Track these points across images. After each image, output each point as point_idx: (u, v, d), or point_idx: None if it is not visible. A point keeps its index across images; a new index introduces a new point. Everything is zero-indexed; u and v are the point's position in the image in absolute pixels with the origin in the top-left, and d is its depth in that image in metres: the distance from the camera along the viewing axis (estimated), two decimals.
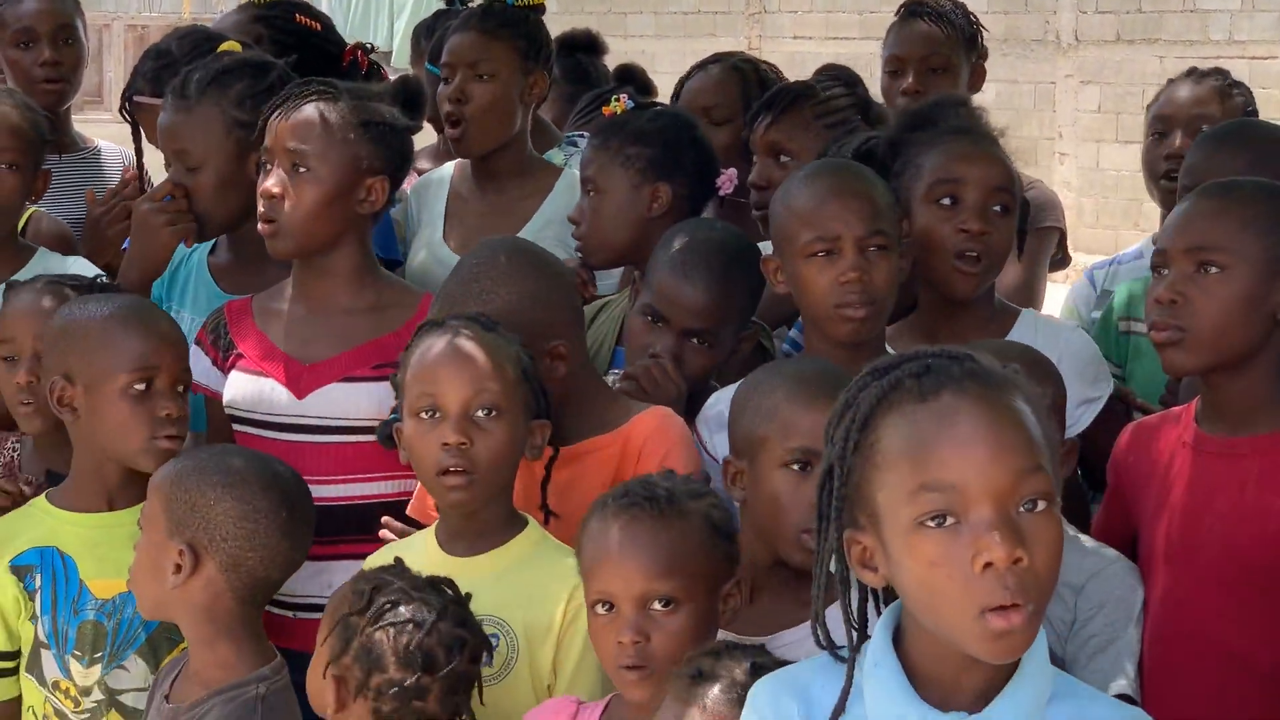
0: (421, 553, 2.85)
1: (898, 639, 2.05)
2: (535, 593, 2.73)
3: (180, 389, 3.04)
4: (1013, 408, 1.97)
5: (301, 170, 3.26)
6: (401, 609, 2.57)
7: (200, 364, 3.36)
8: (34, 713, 2.98)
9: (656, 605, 2.49)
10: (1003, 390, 1.98)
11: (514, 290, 3.05)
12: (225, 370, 3.36)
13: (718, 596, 2.55)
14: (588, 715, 2.58)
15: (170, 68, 3.92)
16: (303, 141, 3.26)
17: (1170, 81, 4.43)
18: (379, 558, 2.91)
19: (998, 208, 3.32)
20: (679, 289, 3.33)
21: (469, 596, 2.65)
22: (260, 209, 3.27)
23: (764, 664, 2.32)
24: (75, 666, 2.95)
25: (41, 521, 3.03)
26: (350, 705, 2.56)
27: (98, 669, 2.95)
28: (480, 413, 2.79)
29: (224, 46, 3.81)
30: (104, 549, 2.98)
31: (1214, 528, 2.81)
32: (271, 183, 3.26)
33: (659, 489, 2.56)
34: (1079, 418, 3.27)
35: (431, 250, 4.07)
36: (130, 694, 2.95)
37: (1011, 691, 1.99)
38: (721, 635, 2.59)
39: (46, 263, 3.83)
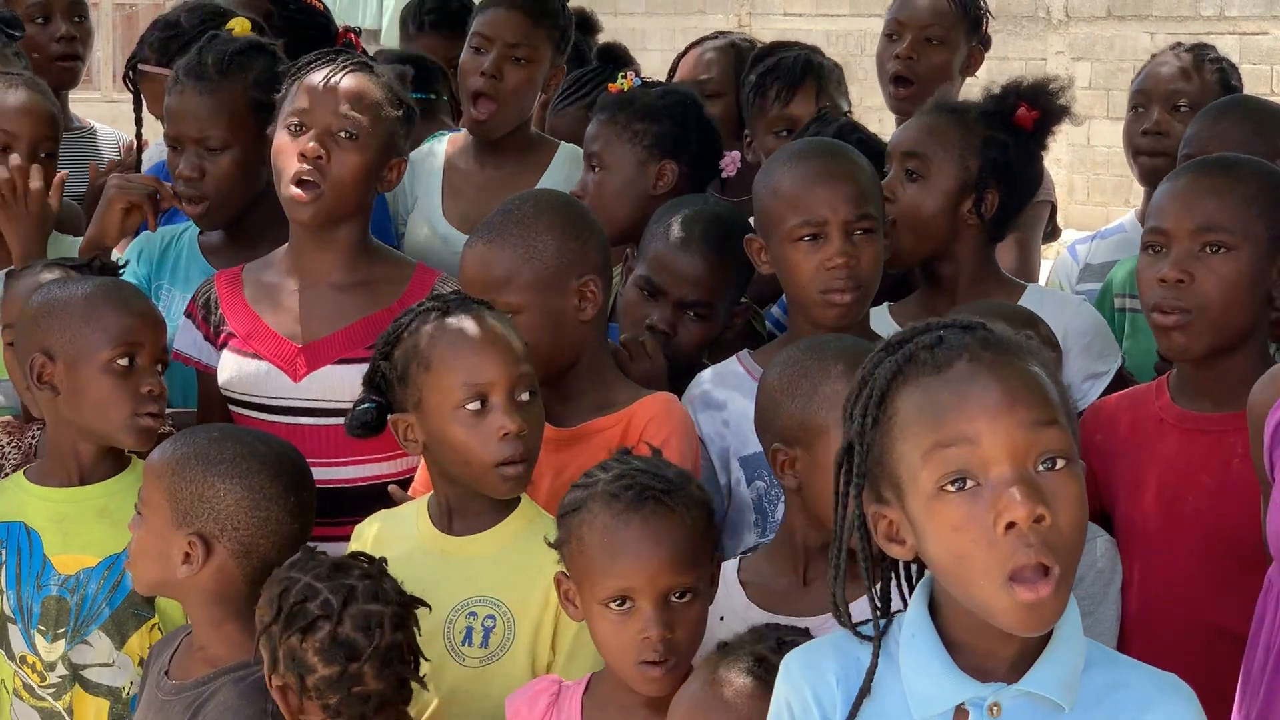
0: (414, 527, 2.83)
1: (933, 610, 2.04)
2: (531, 571, 2.70)
3: (159, 366, 3.03)
4: (1026, 369, 1.98)
5: (348, 137, 3.23)
6: (309, 605, 2.53)
7: (191, 337, 3.36)
8: (5, 686, 2.98)
9: (675, 598, 2.46)
10: (1016, 354, 1.99)
11: (554, 219, 3.05)
12: (216, 345, 3.34)
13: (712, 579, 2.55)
14: (569, 695, 2.57)
15: (178, 38, 3.91)
16: (354, 109, 3.23)
17: (1153, 57, 4.46)
18: (367, 526, 2.90)
19: (908, 170, 3.37)
20: (676, 259, 3.33)
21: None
22: (303, 168, 3.20)
23: (793, 640, 2.32)
24: (40, 641, 2.94)
25: (13, 497, 3.03)
26: (304, 707, 2.55)
27: (61, 644, 2.94)
28: (525, 395, 2.76)
29: (232, 23, 3.80)
30: (70, 524, 2.98)
31: (1199, 503, 2.81)
32: (314, 145, 3.21)
33: (664, 478, 2.52)
34: (1085, 392, 3.28)
35: (432, 226, 4.07)
36: (94, 669, 2.94)
37: (1048, 659, 1.99)
38: (777, 618, 2.59)
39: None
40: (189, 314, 3.38)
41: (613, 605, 2.47)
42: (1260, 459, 2.57)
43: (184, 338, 3.36)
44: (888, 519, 2.02)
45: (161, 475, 2.74)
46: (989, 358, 1.97)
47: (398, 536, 2.80)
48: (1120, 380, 3.37)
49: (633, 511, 2.48)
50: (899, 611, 2.08)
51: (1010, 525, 1.91)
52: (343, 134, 3.22)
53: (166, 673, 2.77)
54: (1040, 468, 1.94)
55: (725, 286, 3.37)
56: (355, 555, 2.63)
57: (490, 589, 2.73)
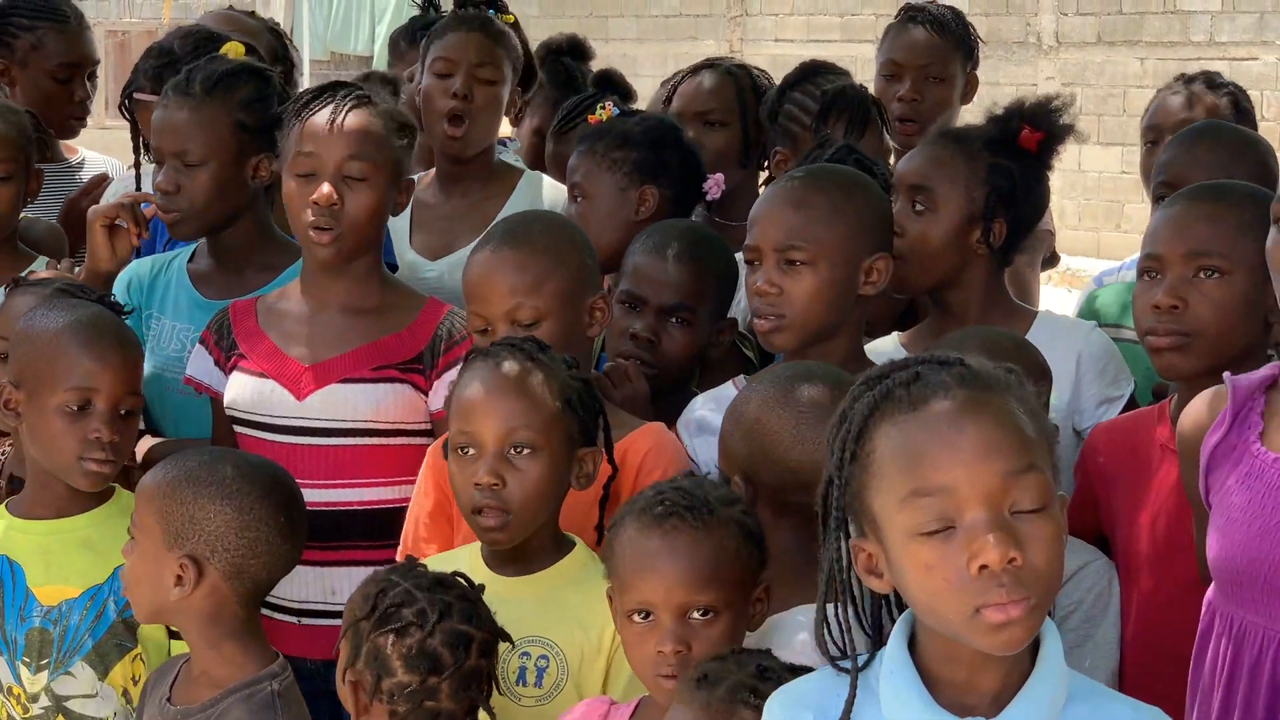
0: (467, 569, 2.79)
1: (912, 643, 2.04)
2: (584, 614, 2.70)
3: (123, 412, 3.00)
4: (1002, 409, 1.96)
5: (360, 180, 3.23)
6: (405, 611, 2.55)
7: (204, 364, 3.36)
8: None
9: (695, 615, 2.46)
10: (993, 392, 1.98)
11: (574, 234, 3.09)
12: (227, 371, 3.35)
13: (749, 601, 2.52)
14: (619, 715, 2.57)
15: (172, 65, 3.92)
16: (362, 152, 3.23)
17: (1160, 90, 4.43)
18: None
19: (914, 204, 3.32)
20: (654, 265, 3.36)
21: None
22: (319, 218, 3.21)
23: (770, 667, 2.31)
24: (25, 673, 2.94)
25: None
26: (371, 708, 2.57)
27: (44, 675, 2.93)
28: (514, 451, 2.74)
29: (226, 48, 3.80)
30: (52, 555, 2.96)
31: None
32: (328, 191, 3.21)
33: (695, 496, 2.51)
34: (1100, 417, 3.25)
35: (399, 254, 4.07)
36: (78, 700, 2.93)
37: (1027, 694, 1.98)
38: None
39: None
40: (203, 341, 3.39)
41: (636, 618, 2.49)
42: (1194, 483, 2.57)
43: (196, 364, 3.36)
44: (866, 552, 2.03)
45: (153, 498, 2.73)
46: (965, 396, 1.96)
47: None
48: (1132, 407, 3.35)
49: (654, 526, 2.49)
50: (881, 647, 2.07)
51: (983, 567, 1.91)
52: (357, 179, 3.24)
53: (169, 700, 2.76)
54: (1017, 510, 1.94)
55: (704, 292, 3.38)
56: (457, 575, 2.64)
57: (543, 630, 2.72)
